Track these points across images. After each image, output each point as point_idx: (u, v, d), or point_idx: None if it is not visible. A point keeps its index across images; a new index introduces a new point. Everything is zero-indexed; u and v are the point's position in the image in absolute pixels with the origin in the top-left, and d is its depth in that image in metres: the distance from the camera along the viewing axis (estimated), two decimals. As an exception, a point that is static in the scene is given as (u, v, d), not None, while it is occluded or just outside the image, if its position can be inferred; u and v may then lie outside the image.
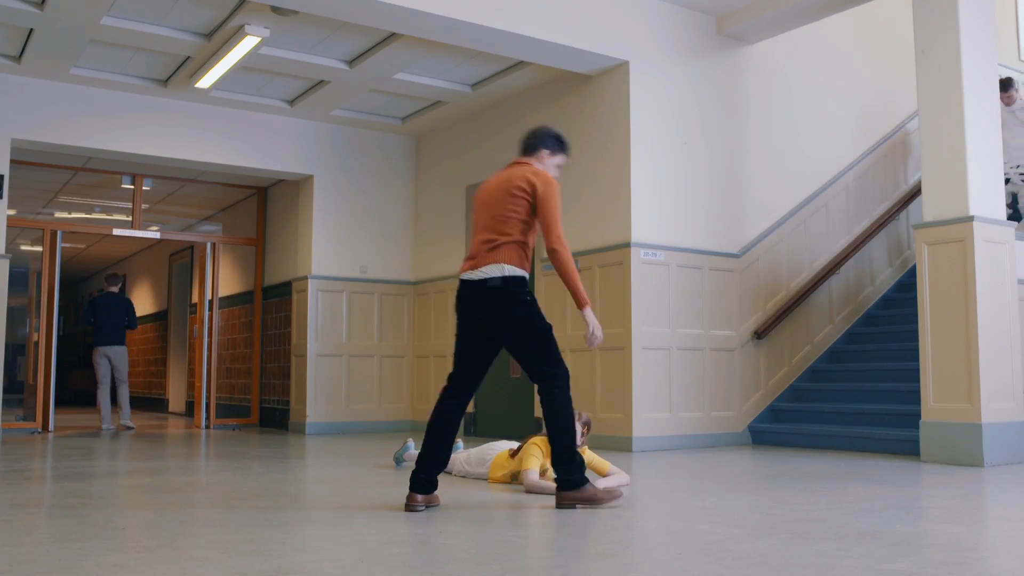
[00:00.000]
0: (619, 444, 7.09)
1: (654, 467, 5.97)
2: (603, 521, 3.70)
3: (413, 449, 5.88)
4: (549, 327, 4.03)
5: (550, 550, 3.22)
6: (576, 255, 7.64)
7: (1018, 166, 8.34)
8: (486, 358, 4.11)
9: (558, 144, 4.32)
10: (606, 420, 7.27)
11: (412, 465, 5.67)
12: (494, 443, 5.27)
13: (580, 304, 4.07)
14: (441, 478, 5.18)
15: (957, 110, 6.10)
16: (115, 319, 10.41)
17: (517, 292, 3.99)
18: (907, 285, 8.89)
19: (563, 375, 4.02)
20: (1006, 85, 8.25)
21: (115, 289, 10.65)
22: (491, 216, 4.12)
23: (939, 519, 3.86)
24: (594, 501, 3.97)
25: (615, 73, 7.46)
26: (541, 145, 4.28)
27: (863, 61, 9.08)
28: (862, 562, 2.85)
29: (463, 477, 5.23)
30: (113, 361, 10.37)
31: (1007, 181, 8.21)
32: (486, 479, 5.07)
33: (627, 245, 7.22)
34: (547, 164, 4.27)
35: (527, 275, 4.05)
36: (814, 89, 8.62)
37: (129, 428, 10.07)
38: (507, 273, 3.98)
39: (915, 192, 8.95)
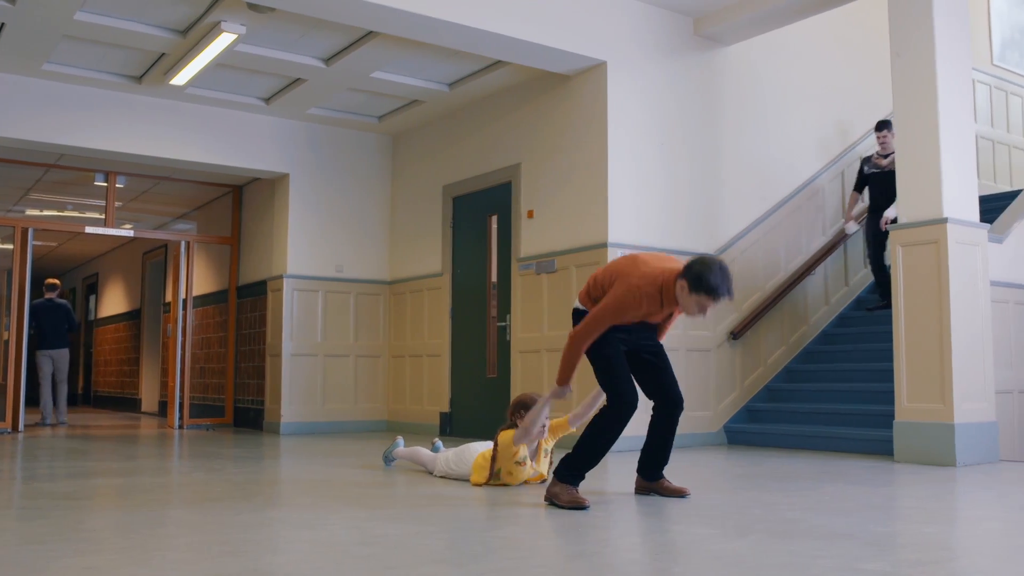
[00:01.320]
0: (595, 444, 7.08)
1: (630, 467, 5.96)
2: (580, 521, 3.70)
3: (403, 447, 5.85)
4: (606, 353, 4.22)
5: (527, 550, 3.21)
6: (553, 255, 7.67)
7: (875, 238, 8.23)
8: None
9: (696, 283, 3.99)
10: (583, 421, 7.25)
11: (403, 464, 5.84)
12: (472, 444, 5.21)
13: (557, 380, 4.32)
14: (423, 479, 5.18)
15: (932, 112, 6.15)
16: (57, 324, 11.26)
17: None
18: (872, 285, 8.95)
19: (613, 406, 4.21)
20: (881, 126, 8.25)
21: (54, 296, 11.40)
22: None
23: (913, 519, 3.89)
24: (573, 504, 4.05)
25: (593, 73, 7.47)
26: (685, 275, 4.04)
27: (838, 64, 9.14)
28: (837, 562, 2.86)
29: (444, 477, 5.20)
30: (56, 363, 11.23)
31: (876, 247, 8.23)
32: (468, 479, 5.02)
33: (604, 245, 7.22)
34: (678, 292, 4.08)
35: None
36: (789, 91, 8.66)
37: (63, 423, 11.01)
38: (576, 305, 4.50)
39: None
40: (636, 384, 4.36)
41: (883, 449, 6.50)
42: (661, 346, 4.52)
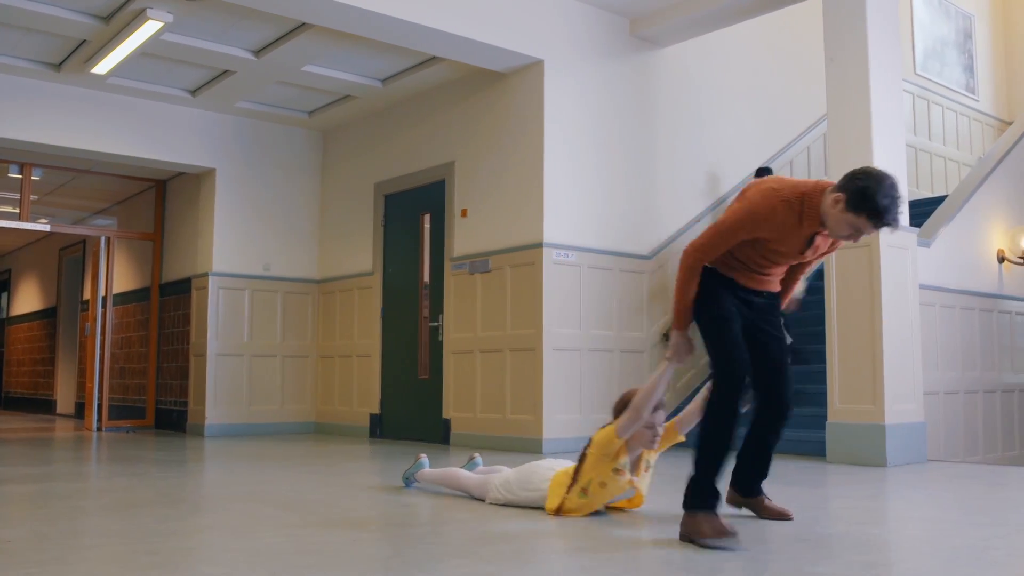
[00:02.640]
0: (529, 446, 7.02)
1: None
2: (526, 527, 3.60)
3: (429, 467, 4.72)
4: (718, 314, 3.47)
5: (479, 558, 3.11)
6: (487, 255, 7.58)
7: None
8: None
9: (859, 199, 3.17)
10: (516, 422, 7.20)
11: (425, 487, 4.67)
12: (541, 461, 4.12)
13: (674, 324, 3.62)
14: (352, 482, 5.02)
15: (864, 115, 6.22)
16: None
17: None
18: (813, 288, 9.07)
19: (722, 375, 3.37)
20: (762, 173, 8.03)
21: None
22: None
23: (856, 520, 3.89)
24: (719, 538, 3.11)
25: (529, 71, 7.40)
26: (844, 187, 3.22)
27: (770, 69, 9.24)
28: (790, 566, 2.83)
29: (503, 506, 4.03)
30: None
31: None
32: (536, 507, 3.92)
33: (539, 245, 7.16)
34: (828, 208, 3.26)
35: (714, 272, 3.59)
36: (723, 94, 8.73)
37: None
38: None
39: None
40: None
41: (814, 450, 6.55)
42: (784, 335, 3.69)
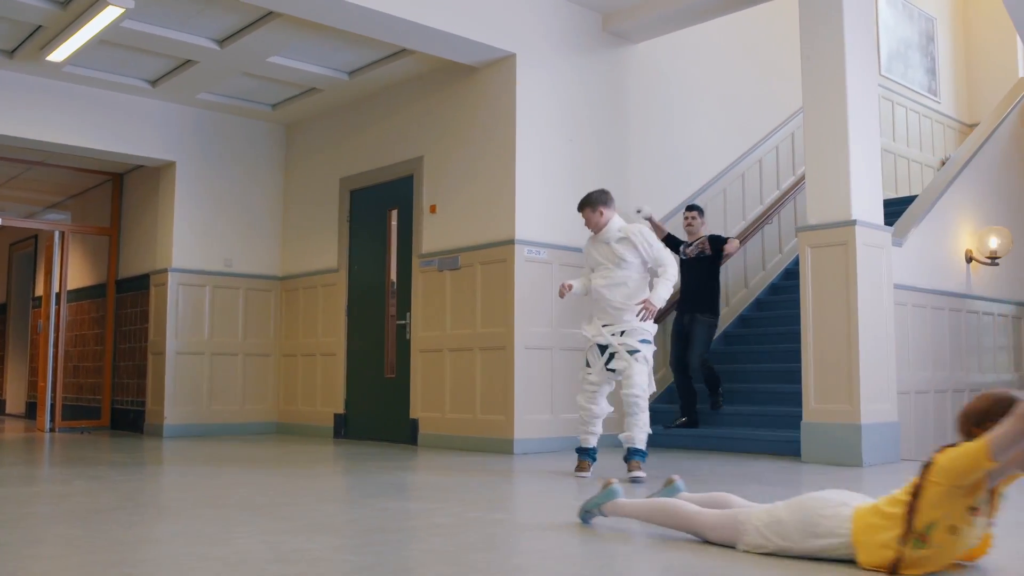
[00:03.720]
0: (500, 447, 6.90)
1: (540, 471, 5.80)
2: (511, 533, 3.48)
3: (622, 495, 3.51)
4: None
5: (461, 566, 2.97)
6: (456, 251, 7.45)
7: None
8: None
9: None
10: (487, 422, 7.07)
11: (616, 522, 3.58)
12: (817, 494, 2.96)
13: None
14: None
15: (841, 113, 6.18)
16: None
17: None
18: (779, 288, 9.08)
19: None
20: (690, 208, 7.52)
21: None
22: None
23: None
24: None
25: (501, 66, 7.27)
26: None
27: (742, 66, 9.21)
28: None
29: (763, 554, 2.97)
30: None
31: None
32: (827, 558, 2.87)
33: (511, 242, 7.04)
34: None
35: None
36: (694, 91, 8.67)
37: None
38: None
39: (785, 198, 9.22)
40: None
41: (788, 450, 6.51)
42: None
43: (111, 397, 9.89)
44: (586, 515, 3.57)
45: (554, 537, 3.39)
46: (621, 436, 5.35)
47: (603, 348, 5.33)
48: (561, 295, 5.54)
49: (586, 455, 5.47)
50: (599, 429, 5.49)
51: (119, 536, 3.34)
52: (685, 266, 7.30)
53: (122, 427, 9.60)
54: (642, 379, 5.24)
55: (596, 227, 5.46)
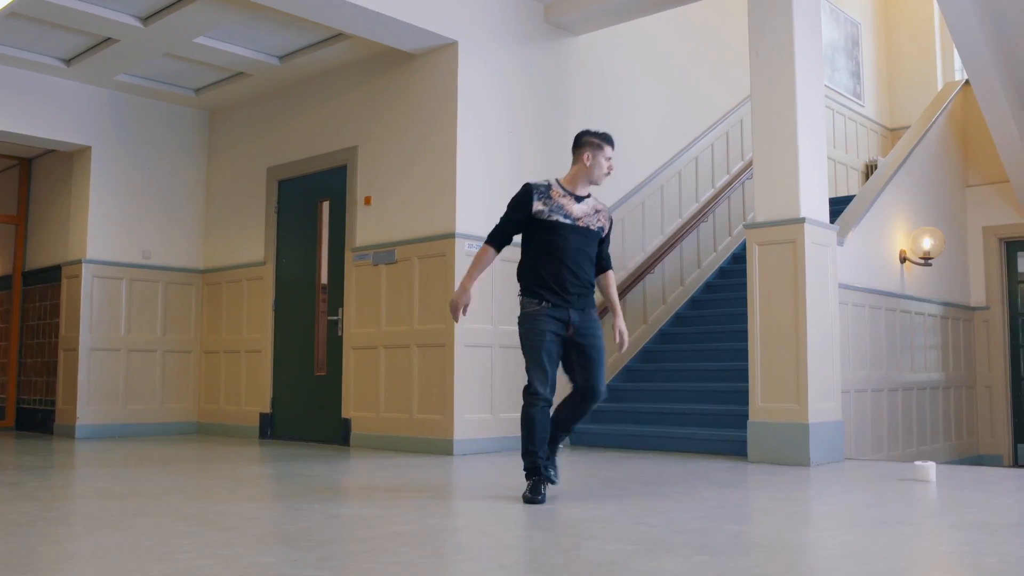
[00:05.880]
0: (439, 447, 6.66)
1: (485, 472, 5.59)
2: (470, 539, 3.26)
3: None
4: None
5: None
6: (393, 245, 7.18)
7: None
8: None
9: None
10: (424, 422, 6.83)
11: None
12: None
13: None
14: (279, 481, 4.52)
15: (790, 109, 6.12)
16: None
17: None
18: (713, 287, 9.04)
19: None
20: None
21: None
22: None
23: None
24: None
25: (442, 54, 7.02)
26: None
27: (680, 63, 9.14)
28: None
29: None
30: None
31: None
32: None
33: (451, 236, 6.80)
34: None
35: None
36: (634, 84, 8.56)
37: None
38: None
39: (720, 196, 9.20)
40: None
41: (733, 449, 6.43)
42: None
43: (16, 396, 9.31)
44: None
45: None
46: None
47: None
48: None
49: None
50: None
51: (47, 552, 3.01)
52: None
53: (29, 428, 9.03)
54: None
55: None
